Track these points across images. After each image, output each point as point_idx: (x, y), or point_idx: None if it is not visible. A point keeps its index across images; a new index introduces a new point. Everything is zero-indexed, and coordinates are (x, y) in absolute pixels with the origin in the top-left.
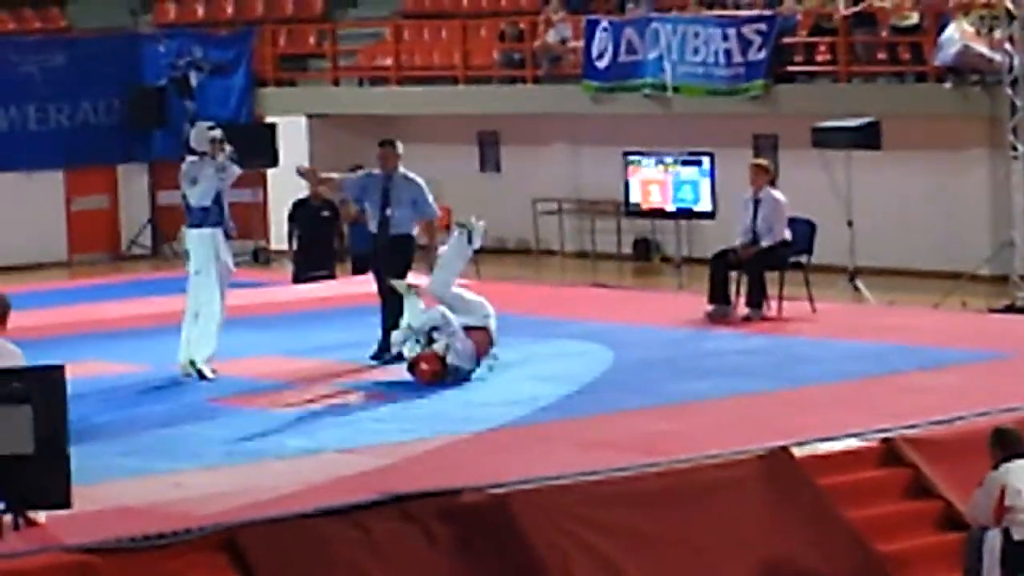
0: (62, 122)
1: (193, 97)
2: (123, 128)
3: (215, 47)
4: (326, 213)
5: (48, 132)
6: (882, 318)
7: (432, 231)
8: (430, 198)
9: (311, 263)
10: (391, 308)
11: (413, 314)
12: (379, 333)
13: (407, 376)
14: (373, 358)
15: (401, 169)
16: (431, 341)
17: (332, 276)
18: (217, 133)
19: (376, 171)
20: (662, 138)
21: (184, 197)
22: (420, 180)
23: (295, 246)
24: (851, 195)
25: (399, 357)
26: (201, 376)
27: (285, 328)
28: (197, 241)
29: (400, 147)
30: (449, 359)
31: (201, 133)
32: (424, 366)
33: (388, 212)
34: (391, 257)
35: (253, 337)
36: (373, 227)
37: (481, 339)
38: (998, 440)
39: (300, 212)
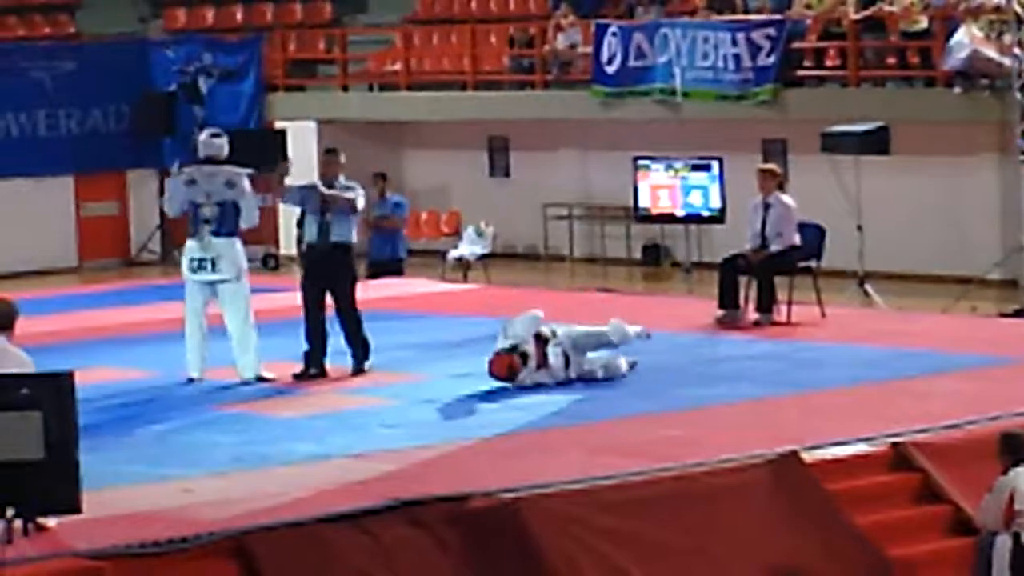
0: (72, 128)
1: (203, 103)
2: (133, 134)
3: (224, 53)
4: None
5: (58, 138)
6: (892, 323)
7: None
8: (360, 201)
9: None
10: (318, 324)
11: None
12: (305, 349)
13: (415, 381)
14: (295, 376)
15: (342, 178)
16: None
17: None
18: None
19: (317, 180)
20: (671, 143)
21: (203, 204)
22: (359, 188)
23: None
24: (860, 200)
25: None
26: (261, 379)
27: (295, 334)
28: (231, 249)
29: (343, 157)
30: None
31: (221, 144)
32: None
33: (327, 218)
34: (334, 269)
35: (263, 342)
36: (312, 235)
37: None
38: (1006, 445)
39: None
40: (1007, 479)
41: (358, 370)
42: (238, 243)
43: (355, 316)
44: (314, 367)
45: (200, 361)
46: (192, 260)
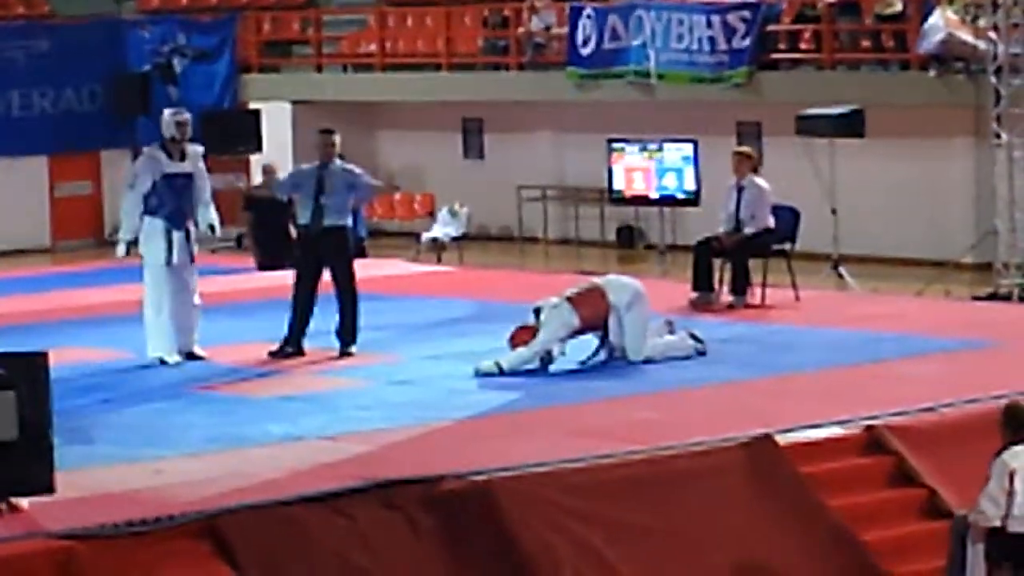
0: (46, 108)
1: (177, 83)
2: (106, 114)
3: (199, 33)
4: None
5: (32, 118)
6: (865, 306)
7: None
8: (367, 178)
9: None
10: (305, 305)
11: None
12: (286, 328)
13: (390, 363)
14: (271, 354)
15: (338, 161)
16: None
17: None
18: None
19: (305, 166)
20: (646, 125)
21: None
22: (357, 168)
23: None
24: (835, 183)
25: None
26: (163, 362)
27: (267, 314)
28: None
29: (338, 138)
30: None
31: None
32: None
33: (322, 200)
34: (329, 252)
35: (235, 323)
36: (305, 218)
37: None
38: (1011, 419)
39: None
40: (1004, 461)
41: (345, 352)
42: (146, 224)
43: (353, 296)
44: (291, 346)
45: (167, 342)
46: None
